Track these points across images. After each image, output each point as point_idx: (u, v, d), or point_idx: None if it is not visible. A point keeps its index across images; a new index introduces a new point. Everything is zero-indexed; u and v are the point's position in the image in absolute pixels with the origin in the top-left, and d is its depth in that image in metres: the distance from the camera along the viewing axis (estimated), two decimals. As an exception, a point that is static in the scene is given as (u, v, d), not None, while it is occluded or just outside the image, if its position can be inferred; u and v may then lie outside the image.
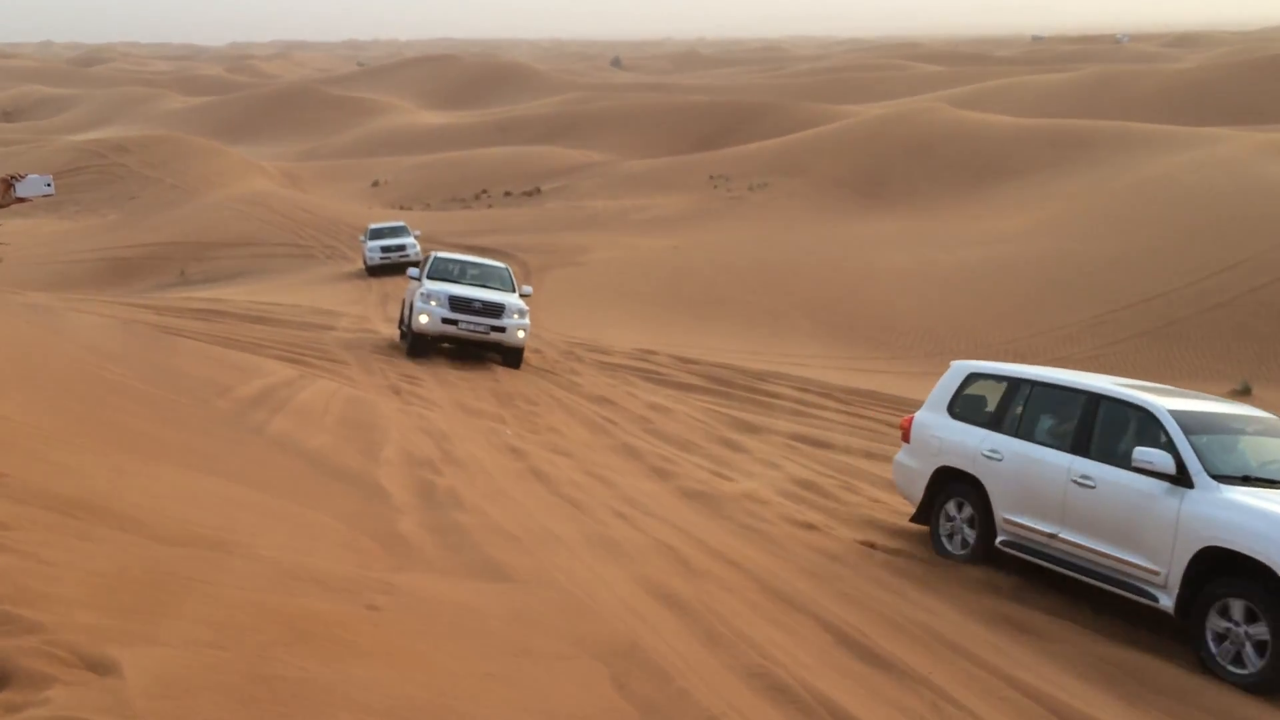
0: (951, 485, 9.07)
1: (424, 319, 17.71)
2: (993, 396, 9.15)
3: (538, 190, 56.42)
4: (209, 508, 6.32)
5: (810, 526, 9.81)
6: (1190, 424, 7.53)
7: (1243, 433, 7.93)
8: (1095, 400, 8.15)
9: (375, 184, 64.87)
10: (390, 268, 34.58)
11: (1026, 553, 8.31)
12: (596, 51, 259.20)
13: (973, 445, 8.87)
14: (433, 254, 20.35)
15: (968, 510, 8.89)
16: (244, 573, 5.06)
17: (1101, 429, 8.01)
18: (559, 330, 24.87)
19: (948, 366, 10.07)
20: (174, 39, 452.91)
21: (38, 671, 3.25)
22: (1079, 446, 8.03)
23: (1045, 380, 8.90)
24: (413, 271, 19.45)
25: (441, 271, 19.26)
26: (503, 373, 17.97)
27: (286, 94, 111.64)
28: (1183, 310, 26.91)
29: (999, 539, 8.56)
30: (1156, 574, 7.23)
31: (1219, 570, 6.89)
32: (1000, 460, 8.60)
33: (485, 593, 6.27)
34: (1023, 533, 8.34)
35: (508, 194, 56.54)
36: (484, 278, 19.43)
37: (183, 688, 3.45)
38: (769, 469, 12.58)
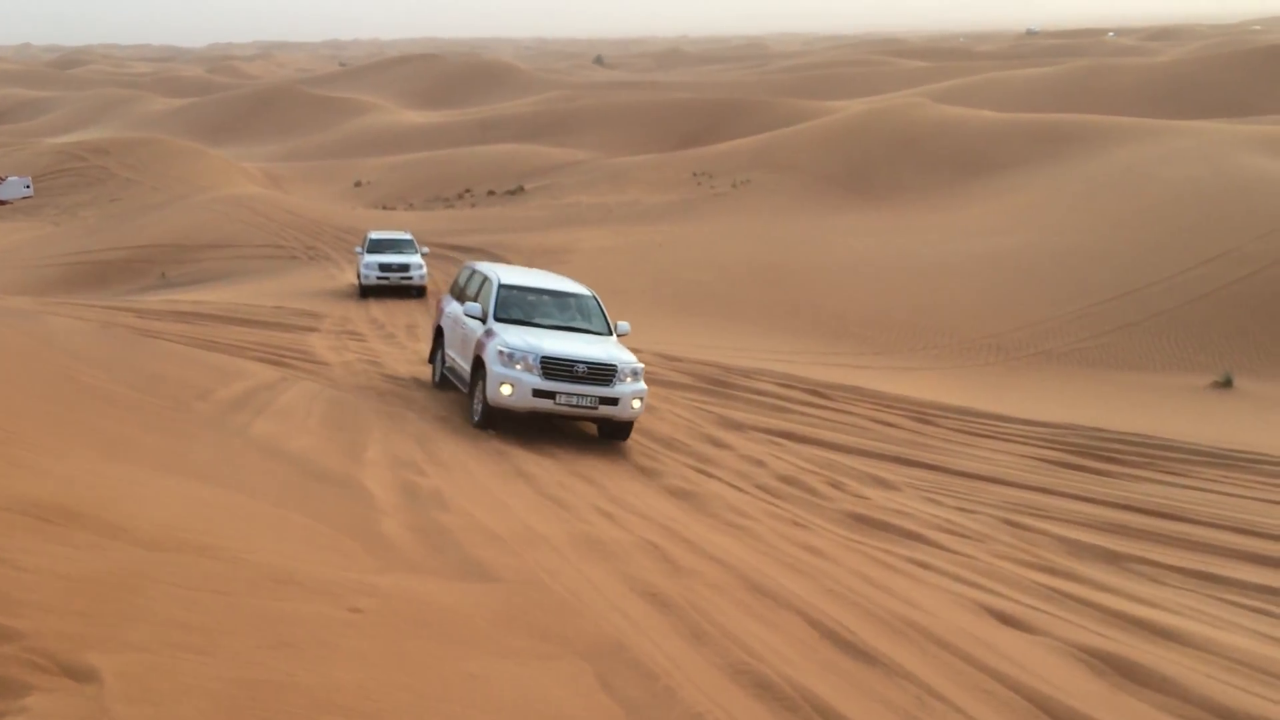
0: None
1: (507, 390, 12.64)
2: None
3: (521, 189, 56.29)
4: (190, 512, 6.28)
5: (795, 523, 9.83)
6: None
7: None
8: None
9: (358, 184, 64.56)
10: (389, 290, 28.74)
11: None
12: (579, 50, 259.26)
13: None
14: (497, 278, 14.42)
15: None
16: (226, 576, 5.04)
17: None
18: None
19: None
20: (154, 40, 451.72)
21: (15, 679, 3.23)
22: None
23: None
24: (471, 307, 14.00)
25: (515, 307, 14.04)
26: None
27: (268, 95, 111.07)
28: (1165, 303, 27.05)
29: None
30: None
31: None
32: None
33: (470, 593, 6.25)
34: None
35: (491, 193, 56.39)
36: (567, 312, 14.39)
37: (163, 693, 3.43)
38: (754, 466, 12.60)
